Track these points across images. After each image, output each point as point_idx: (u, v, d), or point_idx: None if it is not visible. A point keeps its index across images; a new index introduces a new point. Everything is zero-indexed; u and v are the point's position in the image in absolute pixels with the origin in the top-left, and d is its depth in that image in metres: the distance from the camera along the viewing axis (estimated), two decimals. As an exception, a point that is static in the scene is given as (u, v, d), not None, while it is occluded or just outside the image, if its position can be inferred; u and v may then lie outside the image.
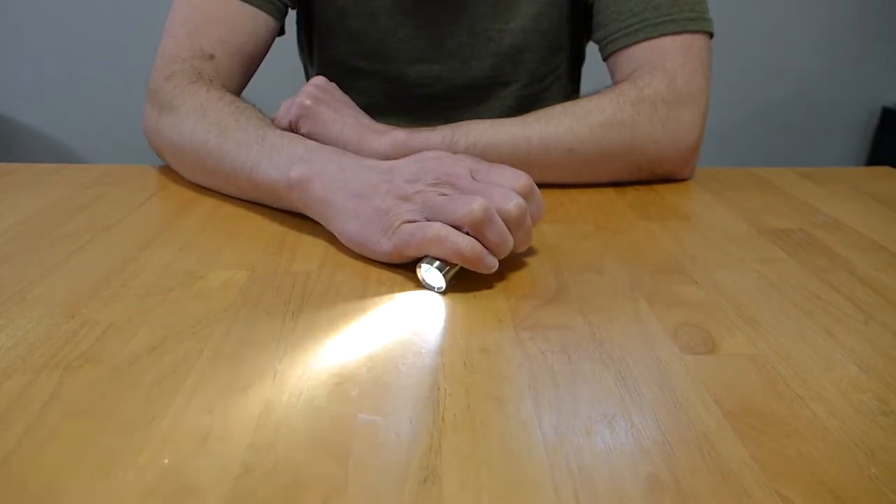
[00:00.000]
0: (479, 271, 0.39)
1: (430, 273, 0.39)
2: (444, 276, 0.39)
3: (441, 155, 0.43)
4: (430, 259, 0.39)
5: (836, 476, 0.25)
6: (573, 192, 0.58)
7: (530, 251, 0.45)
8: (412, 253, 0.40)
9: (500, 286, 0.40)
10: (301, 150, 0.47)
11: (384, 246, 0.41)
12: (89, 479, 0.24)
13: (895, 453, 0.27)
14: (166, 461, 0.25)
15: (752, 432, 0.28)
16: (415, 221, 0.40)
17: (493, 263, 0.39)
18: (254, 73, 0.68)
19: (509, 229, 0.40)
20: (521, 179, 0.41)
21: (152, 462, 0.25)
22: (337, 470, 0.25)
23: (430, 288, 0.40)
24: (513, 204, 0.39)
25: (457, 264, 0.39)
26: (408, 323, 0.36)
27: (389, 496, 0.24)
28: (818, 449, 0.27)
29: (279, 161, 0.47)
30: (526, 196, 0.41)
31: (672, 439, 0.27)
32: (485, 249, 0.39)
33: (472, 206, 0.38)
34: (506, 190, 0.40)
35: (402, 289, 0.40)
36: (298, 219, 0.49)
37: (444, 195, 0.40)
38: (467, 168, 0.42)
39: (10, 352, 0.32)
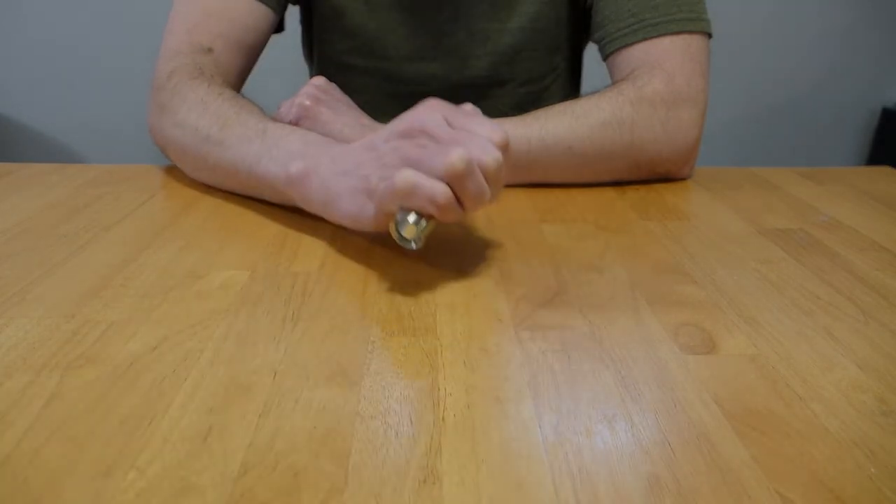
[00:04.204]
0: (447, 221, 0.38)
1: (403, 226, 0.37)
2: (417, 229, 0.37)
3: (415, 108, 0.41)
4: (404, 213, 0.37)
5: (836, 476, 0.25)
6: (573, 192, 0.58)
7: (530, 251, 0.45)
8: (392, 206, 0.38)
9: (500, 286, 0.40)
10: (299, 144, 0.47)
11: (369, 210, 0.40)
12: (89, 479, 0.24)
13: (895, 453, 0.27)
14: (166, 461, 0.25)
15: (752, 432, 0.28)
16: None
17: (462, 213, 0.38)
18: (253, 64, 0.68)
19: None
20: (499, 133, 0.40)
21: (152, 462, 0.25)
22: (337, 470, 0.25)
23: (406, 244, 0.38)
24: (491, 158, 0.38)
25: (431, 217, 0.38)
26: (407, 323, 0.36)
27: (389, 496, 0.24)
28: (818, 449, 0.27)
29: (278, 156, 0.47)
30: (502, 150, 0.39)
31: (672, 439, 0.27)
32: (455, 199, 0.37)
33: (453, 158, 0.36)
34: (484, 141, 0.38)
35: (402, 289, 0.40)
36: (299, 219, 0.49)
37: (422, 147, 0.38)
38: (442, 116, 0.40)
39: (10, 352, 0.32)
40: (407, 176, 0.36)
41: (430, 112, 0.40)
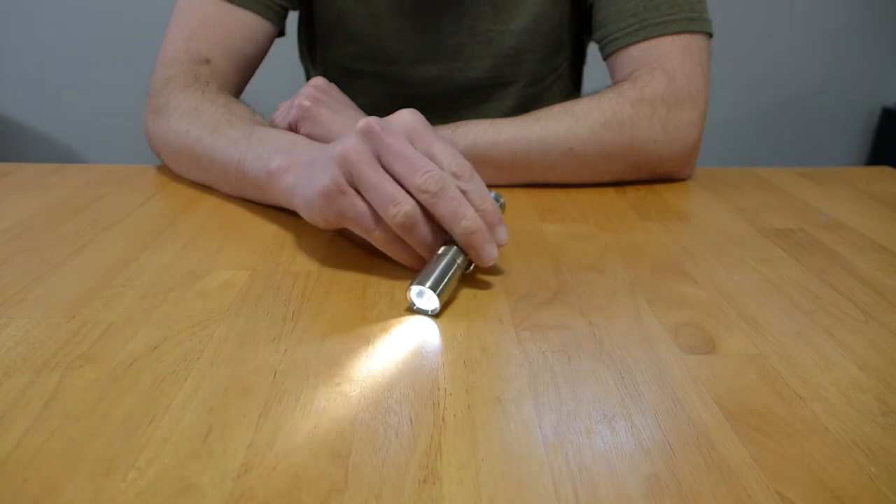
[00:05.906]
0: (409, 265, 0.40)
1: (422, 296, 0.37)
2: (437, 295, 0.36)
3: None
4: (420, 279, 0.36)
5: (836, 476, 0.25)
6: (573, 192, 0.58)
7: (530, 251, 0.45)
8: (333, 214, 0.39)
9: (500, 286, 0.40)
10: (284, 142, 0.47)
11: (318, 184, 0.39)
12: (89, 478, 0.24)
13: (895, 453, 0.27)
14: (166, 461, 0.25)
15: (752, 432, 0.28)
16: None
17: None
18: (252, 75, 0.68)
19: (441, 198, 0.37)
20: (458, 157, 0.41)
21: (152, 462, 0.25)
22: (337, 470, 0.25)
23: (424, 313, 0.37)
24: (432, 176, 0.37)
25: (451, 284, 0.37)
26: (408, 323, 0.36)
27: (389, 496, 0.24)
28: (818, 449, 0.27)
29: (262, 153, 0.47)
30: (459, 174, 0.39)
31: (672, 439, 0.27)
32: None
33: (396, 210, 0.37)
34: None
35: (402, 289, 0.40)
36: (298, 219, 0.49)
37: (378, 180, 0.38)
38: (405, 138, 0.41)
39: (10, 352, 0.32)
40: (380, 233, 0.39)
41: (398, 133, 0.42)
